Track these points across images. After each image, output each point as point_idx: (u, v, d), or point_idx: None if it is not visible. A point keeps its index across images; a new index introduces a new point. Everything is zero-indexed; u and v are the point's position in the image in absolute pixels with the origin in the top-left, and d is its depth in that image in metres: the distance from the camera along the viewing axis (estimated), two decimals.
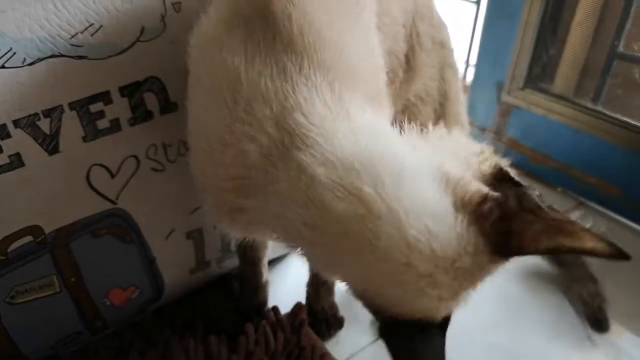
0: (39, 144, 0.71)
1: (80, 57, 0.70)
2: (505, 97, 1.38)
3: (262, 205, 0.54)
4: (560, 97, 1.30)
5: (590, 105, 1.27)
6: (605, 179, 1.25)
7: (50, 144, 0.72)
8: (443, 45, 0.85)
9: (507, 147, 1.44)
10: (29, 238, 0.76)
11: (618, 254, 0.46)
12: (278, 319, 0.91)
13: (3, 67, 0.64)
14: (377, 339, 0.98)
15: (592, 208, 1.31)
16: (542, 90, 1.33)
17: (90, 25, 0.69)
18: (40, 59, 0.67)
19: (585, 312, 0.99)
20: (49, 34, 0.66)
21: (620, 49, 1.23)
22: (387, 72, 0.66)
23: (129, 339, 0.92)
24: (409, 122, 0.58)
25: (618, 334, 0.99)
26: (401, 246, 0.45)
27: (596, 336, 0.98)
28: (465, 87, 1.63)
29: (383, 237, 0.45)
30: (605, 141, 1.22)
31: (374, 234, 0.45)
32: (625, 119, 1.19)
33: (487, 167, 0.51)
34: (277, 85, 0.53)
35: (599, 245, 0.45)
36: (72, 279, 0.83)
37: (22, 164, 0.70)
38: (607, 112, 1.23)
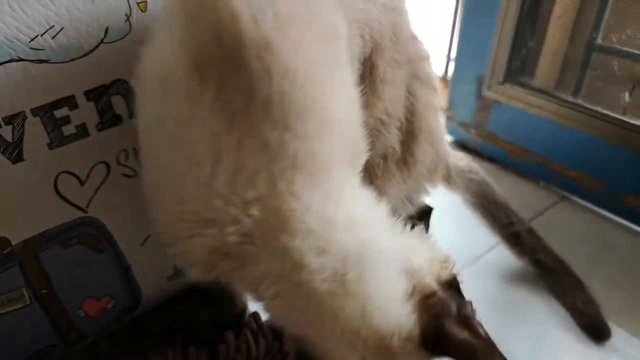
0: (1, 152, 0.68)
1: (41, 61, 0.67)
2: (485, 92, 1.37)
3: (236, 269, 0.54)
4: (540, 91, 1.29)
5: (570, 98, 1.26)
6: (586, 172, 1.25)
7: (13, 152, 0.69)
8: (410, 61, 0.78)
9: (487, 141, 1.43)
10: None
11: None
12: (259, 324, 0.89)
13: None
14: None
15: (575, 202, 1.31)
16: (521, 85, 1.33)
17: (51, 27, 0.66)
18: None
19: (583, 322, 0.95)
20: (5, 37, 0.63)
21: (599, 41, 1.22)
22: None
23: (105, 350, 0.89)
24: (374, 146, 0.68)
25: None
26: (358, 319, 0.50)
27: None
28: (446, 82, 1.62)
29: (348, 312, 0.50)
30: (585, 134, 1.21)
31: (341, 308, 0.50)
32: (605, 111, 1.19)
33: (445, 274, 0.55)
34: (262, 163, 0.49)
35: None
36: (43, 291, 0.80)
37: None
38: (587, 105, 1.22)
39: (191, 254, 0.56)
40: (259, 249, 0.51)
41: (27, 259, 0.76)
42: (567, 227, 1.24)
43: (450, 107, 1.50)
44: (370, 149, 0.65)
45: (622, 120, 1.16)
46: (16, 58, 0.65)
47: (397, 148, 0.80)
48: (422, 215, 1.00)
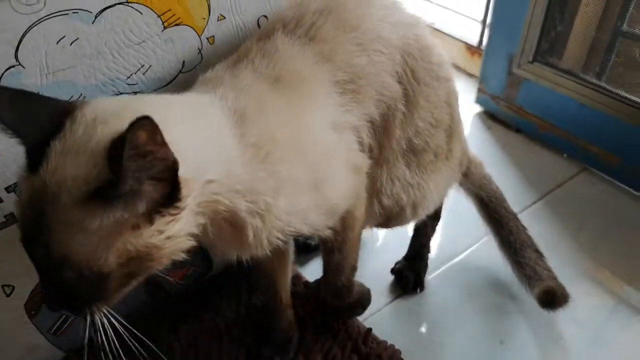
0: None
1: (135, 93, 0.83)
2: (515, 69, 1.45)
3: None
4: (567, 72, 1.37)
5: (594, 80, 1.34)
6: (605, 148, 1.34)
7: None
8: (447, 79, 0.92)
9: (516, 114, 1.53)
10: None
11: None
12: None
13: None
14: (393, 300, 1.16)
15: (595, 173, 1.41)
16: (550, 65, 1.40)
17: (142, 66, 0.82)
18: None
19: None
20: (109, 79, 0.80)
21: (625, 27, 1.28)
22: (382, 112, 0.83)
23: (187, 305, 1.11)
24: (424, 145, 0.90)
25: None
26: None
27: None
28: (480, 52, 1.69)
29: None
30: (606, 114, 1.30)
31: None
32: (625, 94, 1.27)
33: None
34: None
35: None
36: None
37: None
38: (610, 88, 1.30)
39: None
40: None
41: None
42: (585, 196, 1.36)
43: (482, 80, 1.59)
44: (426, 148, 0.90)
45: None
46: (117, 93, 0.82)
47: (444, 147, 0.97)
48: (436, 215, 1.16)
